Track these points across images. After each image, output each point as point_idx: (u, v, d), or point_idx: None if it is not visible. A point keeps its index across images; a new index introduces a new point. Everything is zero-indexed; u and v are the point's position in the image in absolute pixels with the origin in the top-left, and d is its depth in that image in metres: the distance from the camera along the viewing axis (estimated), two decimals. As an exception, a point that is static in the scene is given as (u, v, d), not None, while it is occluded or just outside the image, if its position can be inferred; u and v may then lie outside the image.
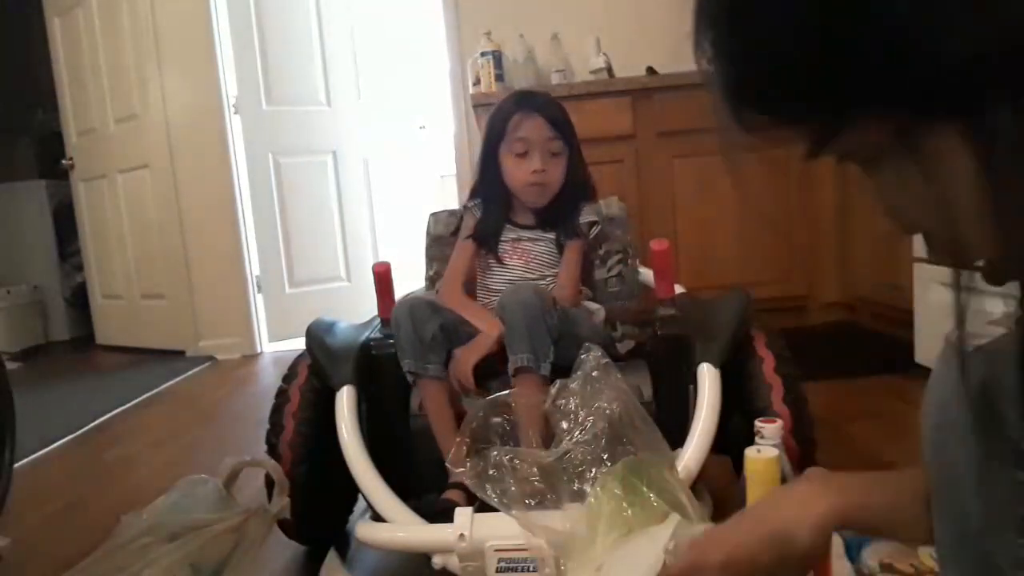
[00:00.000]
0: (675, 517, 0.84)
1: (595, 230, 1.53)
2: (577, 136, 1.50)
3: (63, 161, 3.95)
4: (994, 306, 0.49)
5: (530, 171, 1.44)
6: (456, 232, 1.60)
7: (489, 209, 1.53)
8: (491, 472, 1.00)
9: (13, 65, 4.37)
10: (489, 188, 1.52)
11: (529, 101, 1.47)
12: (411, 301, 1.34)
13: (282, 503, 1.14)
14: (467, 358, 1.31)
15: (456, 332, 1.35)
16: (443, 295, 1.50)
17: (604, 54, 3.06)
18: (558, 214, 1.50)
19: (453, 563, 1.04)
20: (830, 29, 0.34)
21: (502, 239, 1.51)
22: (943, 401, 0.49)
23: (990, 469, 0.45)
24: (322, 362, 1.30)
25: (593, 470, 0.99)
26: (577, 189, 1.51)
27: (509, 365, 1.25)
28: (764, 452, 0.89)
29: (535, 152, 1.44)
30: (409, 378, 1.31)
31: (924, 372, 0.61)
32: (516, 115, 1.45)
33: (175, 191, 3.46)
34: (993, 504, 0.45)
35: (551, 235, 1.50)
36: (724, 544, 0.64)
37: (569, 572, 0.87)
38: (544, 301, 1.26)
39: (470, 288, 1.56)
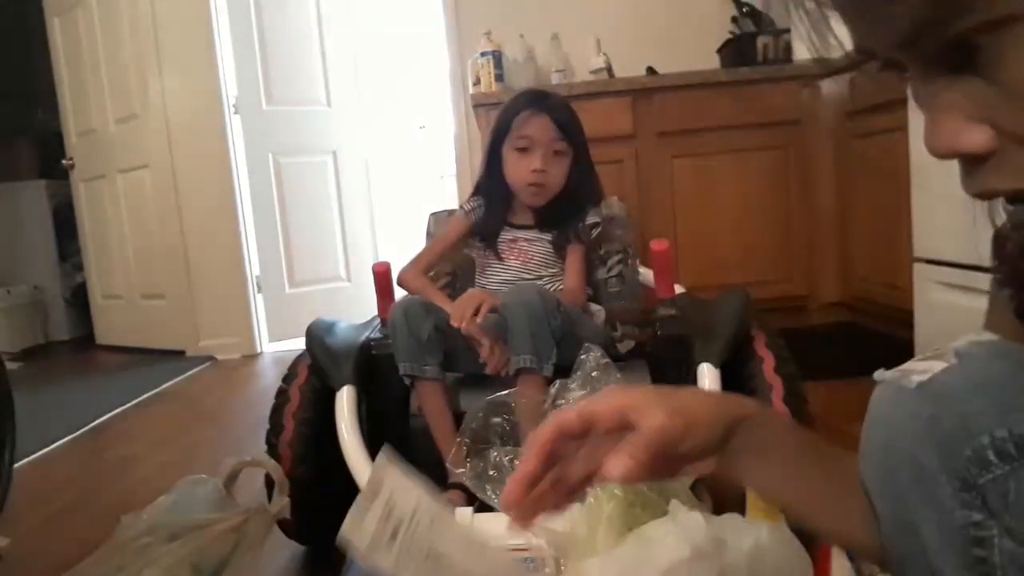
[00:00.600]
0: (674, 507, 0.84)
1: (596, 232, 1.53)
2: (585, 138, 1.50)
3: (63, 161, 3.95)
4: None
5: (530, 169, 1.43)
6: None
7: (490, 207, 1.53)
8: (491, 472, 1.00)
9: (13, 65, 4.37)
10: (491, 185, 1.52)
11: (538, 101, 1.46)
12: (405, 303, 1.34)
13: (282, 503, 1.14)
14: (474, 298, 1.30)
15: (452, 332, 1.35)
16: (403, 275, 1.49)
17: (604, 54, 3.06)
18: (557, 215, 1.50)
19: (453, 563, 1.04)
20: None
21: (500, 238, 1.51)
22: (889, 440, 0.46)
23: (945, 509, 0.42)
24: (322, 362, 1.30)
25: (593, 470, 0.99)
26: (580, 192, 1.51)
27: (511, 365, 1.25)
28: (764, 452, 0.89)
29: (537, 151, 1.43)
30: (406, 381, 1.31)
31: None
32: (523, 112, 1.44)
33: (175, 191, 3.46)
34: (951, 546, 0.43)
35: (548, 236, 1.50)
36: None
37: (568, 571, 0.87)
38: (547, 302, 1.26)
39: (466, 287, 1.56)
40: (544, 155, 1.43)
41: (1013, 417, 0.40)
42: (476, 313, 1.27)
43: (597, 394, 1.04)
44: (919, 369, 0.45)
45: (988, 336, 0.46)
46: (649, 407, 0.50)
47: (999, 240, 0.43)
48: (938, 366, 0.44)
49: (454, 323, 1.28)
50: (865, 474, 0.49)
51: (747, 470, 0.54)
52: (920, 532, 0.44)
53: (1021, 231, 0.38)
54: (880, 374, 0.48)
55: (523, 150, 1.44)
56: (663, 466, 0.51)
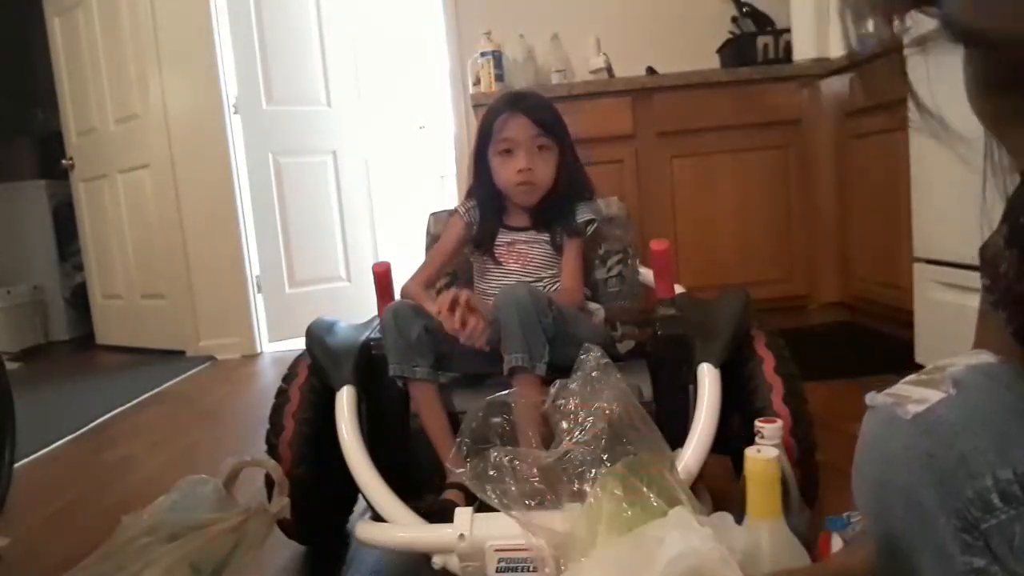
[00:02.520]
0: (676, 511, 0.84)
1: (591, 228, 1.52)
2: (569, 135, 1.50)
3: (63, 161, 3.95)
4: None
5: (515, 170, 1.43)
6: None
7: (484, 212, 1.52)
8: (491, 472, 1.00)
9: (13, 65, 4.37)
10: (482, 190, 1.52)
11: (515, 102, 1.47)
12: (394, 306, 1.34)
13: (282, 503, 1.14)
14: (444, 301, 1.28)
15: (441, 333, 1.33)
16: (406, 289, 1.48)
17: (604, 54, 3.06)
18: (552, 214, 1.50)
19: (453, 563, 1.04)
20: None
21: (497, 242, 1.51)
22: (884, 475, 0.44)
23: (945, 552, 0.40)
24: (322, 362, 1.30)
25: (593, 470, 0.99)
26: (572, 187, 1.51)
27: (504, 365, 1.25)
28: (764, 452, 0.89)
29: (520, 151, 1.43)
30: (399, 383, 1.31)
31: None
32: (502, 116, 1.44)
33: (175, 191, 3.46)
34: None
35: (546, 236, 1.50)
36: None
37: (568, 571, 0.87)
38: (539, 300, 1.26)
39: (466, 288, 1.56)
40: (527, 153, 1.43)
41: (1016, 456, 0.38)
42: (462, 311, 1.26)
43: (595, 393, 1.05)
44: (914, 397, 0.43)
45: (985, 357, 0.44)
46: None
47: (993, 260, 0.41)
48: (934, 396, 0.42)
49: (463, 339, 1.27)
50: (858, 502, 0.47)
51: None
52: (916, 569, 0.42)
53: (1014, 250, 0.36)
54: (872, 397, 0.46)
55: (507, 152, 1.44)
56: None
